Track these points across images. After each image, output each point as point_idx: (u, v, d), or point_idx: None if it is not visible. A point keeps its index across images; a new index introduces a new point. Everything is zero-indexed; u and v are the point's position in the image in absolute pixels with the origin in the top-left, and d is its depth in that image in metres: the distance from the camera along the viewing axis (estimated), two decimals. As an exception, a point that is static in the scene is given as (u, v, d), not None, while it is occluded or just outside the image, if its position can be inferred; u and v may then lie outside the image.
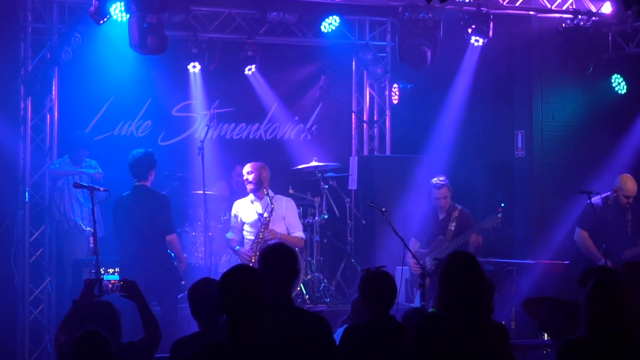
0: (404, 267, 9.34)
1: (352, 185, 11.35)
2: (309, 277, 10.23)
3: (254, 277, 4.24)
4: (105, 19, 9.27)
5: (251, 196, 9.52)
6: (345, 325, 5.74)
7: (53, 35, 9.98)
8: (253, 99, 11.45)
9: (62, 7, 10.07)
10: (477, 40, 10.59)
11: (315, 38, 11.17)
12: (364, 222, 11.13)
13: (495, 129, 11.84)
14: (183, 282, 9.29)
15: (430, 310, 7.10)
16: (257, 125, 11.74)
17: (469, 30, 10.52)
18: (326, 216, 10.69)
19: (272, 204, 9.29)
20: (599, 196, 9.66)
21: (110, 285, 5.62)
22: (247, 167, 9.50)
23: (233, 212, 9.68)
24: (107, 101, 10.90)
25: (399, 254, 8.66)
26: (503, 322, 7.79)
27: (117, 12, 9.32)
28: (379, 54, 11.52)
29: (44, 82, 9.91)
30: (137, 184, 8.73)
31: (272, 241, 9.04)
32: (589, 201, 9.39)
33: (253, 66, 10.87)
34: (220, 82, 11.14)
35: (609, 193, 9.74)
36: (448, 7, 10.14)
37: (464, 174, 11.17)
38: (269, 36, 10.96)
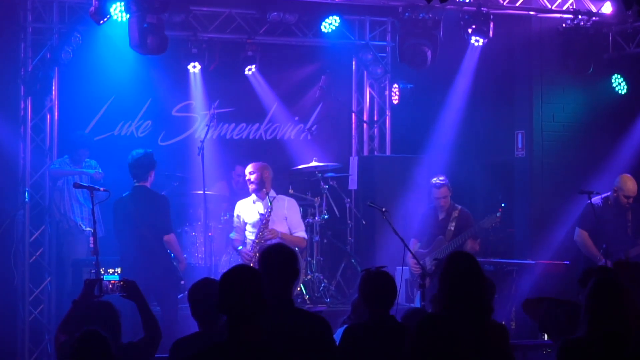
0: (404, 267, 9.34)
1: (352, 185, 11.35)
2: (309, 277, 10.23)
3: (254, 277, 4.24)
4: (105, 19, 9.27)
5: (253, 196, 9.52)
6: (345, 325, 5.74)
7: (53, 35, 9.98)
8: (253, 99, 11.45)
9: (62, 7, 10.07)
10: (477, 40, 10.58)
11: (315, 38, 11.17)
12: (364, 222, 11.13)
13: (496, 129, 11.83)
14: (183, 282, 9.29)
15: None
16: (257, 125, 11.74)
17: (469, 30, 10.52)
18: (326, 216, 10.69)
19: (270, 203, 9.28)
20: (599, 196, 9.66)
21: (110, 286, 5.62)
22: (249, 167, 9.50)
23: (236, 212, 9.68)
24: (107, 101, 10.90)
25: (399, 254, 8.66)
26: (503, 322, 7.80)
27: (117, 12, 9.32)
28: (379, 54, 11.52)
29: (44, 82, 9.91)
30: (136, 184, 8.74)
31: (273, 241, 9.04)
32: (589, 201, 9.39)
33: (253, 66, 10.87)
34: (220, 82, 11.14)
35: (609, 193, 9.74)
36: (448, 7, 10.14)
37: (464, 174, 11.17)
38: (269, 36, 10.96)
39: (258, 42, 10.82)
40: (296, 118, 11.87)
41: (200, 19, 10.59)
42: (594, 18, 10.86)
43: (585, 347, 4.65)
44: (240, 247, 9.47)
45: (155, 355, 5.53)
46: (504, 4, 10.68)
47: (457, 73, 11.29)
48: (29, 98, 10.03)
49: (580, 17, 10.79)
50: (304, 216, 10.37)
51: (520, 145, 11.44)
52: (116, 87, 10.74)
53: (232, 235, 9.70)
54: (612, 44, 11.20)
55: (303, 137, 11.79)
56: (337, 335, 5.38)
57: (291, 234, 9.46)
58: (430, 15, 10.44)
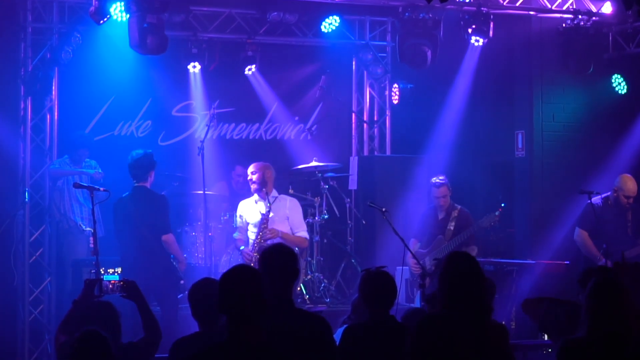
0: (404, 267, 9.34)
1: (352, 185, 11.34)
2: (309, 277, 10.23)
3: (254, 277, 4.24)
4: (105, 19, 9.27)
5: (255, 196, 9.51)
6: (345, 325, 5.74)
7: (53, 35, 9.97)
8: (253, 99, 11.45)
9: (62, 7, 10.06)
10: (477, 40, 10.59)
11: (315, 38, 11.17)
12: (364, 222, 11.13)
13: (496, 129, 11.83)
14: (182, 282, 9.30)
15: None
16: (257, 125, 11.74)
17: (469, 30, 10.52)
18: (326, 216, 10.69)
19: (269, 203, 9.28)
20: (599, 196, 9.66)
21: (110, 286, 5.62)
22: (251, 167, 9.49)
23: (238, 212, 9.68)
24: (107, 101, 10.89)
25: (399, 254, 8.66)
26: (503, 322, 7.79)
27: (117, 12, 9.31)
28: (379, 54, 11.52)
29: (44, 82, 9.91)
30: (136, 184, 8.74)
31: (273, 241, 9.04)
32: (589, 201, 9.39)
33: (253, 66, 10.87)
34: (220, 82, 11.14)
35: (609, 193, 9.74)
36: (448, 7, 10.14)
37: (464, 174, 11.16)
38: (269, 36, 10.96)
39: (258, 42, 10.82)
40: (296, 118, 11.87)
41: (200, 19, 10.59)
42: (594, 18, 10.86)
43: (586, 347, 4.65)
44: (242, 247, 9.47)
45: (155, 355, 5.53)
46: (504, 4, 10.68)
47: (457, 73, 11.29)
48: (29, 98, 10.02)
49: (580, 17, 10.79)
50: (304, 216, 10.37)
51: (520, 145, 11.44)
52: (116, 87, 10.74)
53: (236, 235, 9.71)
54: (612, 44, 11.20)
55: (303, 137, 11.78)
56: (337, 335, 5.38)
57: (293, 234, 9.46)
58: (430, 15, 10.44)
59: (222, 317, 4.29)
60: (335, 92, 11.62)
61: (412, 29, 10.45)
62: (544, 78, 11.32)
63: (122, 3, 9.28)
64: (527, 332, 8.89)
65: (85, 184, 8.54)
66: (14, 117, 10.02)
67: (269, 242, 9.07)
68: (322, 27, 10.86)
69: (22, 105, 10.03)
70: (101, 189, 8.24)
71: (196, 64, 10.51)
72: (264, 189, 9.35)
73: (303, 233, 9.55)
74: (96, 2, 9.18)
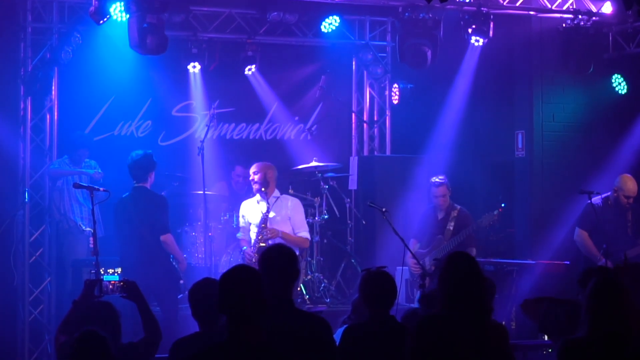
0: (404, 268, 9.34)
1: (352, 185, 11.34)
2: (309, 277, 10.23)
3: (254, 277, 4.24)
4: (105, 19, 9.26)
5: (258, 196, 9.50)
6: (345, 326, 5.74)
7: (53, 35, 9.97)
8: (253, 99, 11.44)
9: (62, 7, 10.06)
10: (477, 40, 10.58)
11: (315, 38, 11.17)
12: (364, 222, 11.13)
13: (496, 129, 11.83)
14: (182, 282, 9.29)
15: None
16: (257, 125, 11.73)
17: (469, 30, 10.52)
18: (326, 216, 10.69)
19: (268, 203, 9.27)
20: (599, 196, 9.66)
21: (110, 286, 5.61)
22: (253, 167, 9.49)
23: (241, 212, 9.69)
24: (107, 101, 10.89)
25: (399, 254, 8.67)
26: (503, 322, 7.79)
27: (117, 12, 9.31)
28: (379, 54, 11.52)
29: (44, 82, 9.90)
30: (136, 185, 8.74)
31: (274, 240, 9.04)
32: (589, 201, 9.39)
33: (253, 66, 10.87)
34: (220, 82, 11.13)
35: (609, 193, 9.74)
36: (448, 7, 10.14)
37: (464, 174, 11.16)
38: (269, 36, 10.96)
39: (258, 42, 10.82)
40: (296, 118, 11.87)
41: (200, 19, 10.59)
42: (594, 18, 10.86)
43: (586, 347, 4.65)
44: (245, 248, 9.46)
45: (156, 356, 5.53)
46: (504, 3, 10.68)
47: (457, 73, 11.29)
48: (29, 98, 10.02)
49: (580, 17, 10.78)
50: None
51: (520, 145, 11.44)
52: (116, 87, 10.73)
53: (239, 235, 9.70)
54: (612, 43, 11.20)
55: (303, 137, 11.78)
56: (337, 335, 5.38)
57: (294, 234, 9.44)
58: (431, 15, 10.44)
59: (222, 317, 4.29)
60: (335, 92, 11.62)
61: (412, 29, 10.44)
62: (544, 78, 11.32)
63: (122, 3, 9.28)
64: (527, 332, 8.90)
65: (85, 184, 8.54)
66: (14, 117, 10.01)
67: (269, 242, 9.07)
68: (322, 27, 10.86)
69: (22, 105, 10.03)
70: (101, 189, 8.23)
71: (196, 64, 10.51)
72: (267, 189, 9.34)
73: (304, 233, 9.54)
74: (96, 2, 9.17)
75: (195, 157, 10.12)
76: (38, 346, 9.89)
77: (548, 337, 7.10)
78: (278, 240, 9.05)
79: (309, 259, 10.37)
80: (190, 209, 10.66)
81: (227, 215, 10.47)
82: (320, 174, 10.83)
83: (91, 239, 9.30)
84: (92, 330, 4.71)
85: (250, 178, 9.51)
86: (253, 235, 9.47)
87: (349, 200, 11.20)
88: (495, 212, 9.50)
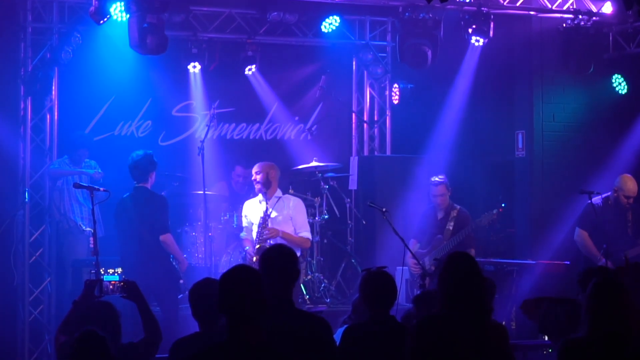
0: (404, 268, 9.34)
1: (353, 185, 11.34)
2: (309, 277, 10.23)
3: (254, 277, 4.23)
4: (105, 19, 9.26)
5: (260, 196, 9.50)
6: (346, 326, 5.74)
7: (53, 35, 9.97)
8: (253, 99, 11.44)
9: (62, 7, 10.06)
10: (477, 40, 10.59)
11: (316, 38, 11.16)
12: (364, 222, 11.13)
13: (496, 129, 11.83)
14: (182, 282, 9.29)
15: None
16: (257, 125, 11.72)
17: (470, 30, 10.52)
18: (326, 216, 10.69)
19: (267, 203, 9.27)
20: (600, 196, 9.66)
21: (110, 286, 5.61)
22: (255, 167, 9.48)
23: (243, 212, 9.68)
24: (107, 101, 10.88)
25: (399, 254, 8.66)
26: (503, 322, 7.79)
27: (117, 12, 9.31)
28: (379, 54, 11.52)
29: (44, 82, 9.90)
30: (136, 185, 8.75)
31: (275, 240, 9.03)
32: (589, 201, 9.39)
33: (253, 66, 10.86)
34: (220, 82, 11.13)
35: (609, 193, 9.74)
36: (448, 7, 10.14)
37: (464, 174, 11.16)
38: (269, 36, 10.95)
39: (258, 42, 10.82)
40: (296, 118, 11.86)
41: (200, 19, 10.59)
42: (594, 18, 10.86)
43: (586, 347, 4.66)
44: (247, 247, 9.46)
45: (156, 356, 5.53)
46: (504, 3, 10.68)
47: (457, 73, 11.29)
48: (29, 98, 10.02)
49: (580, 17, 10.79)
50: (304, 216, 10.37)
51: (520, 145, 11.44)
52: (116, 87, 10.72)
53: (243, 235, 9.69)
54: (613, 43, 11.20)
55: (303, 137, 11.77)
56: (338, 335, 5.38)
57: (296, 234, 9.43)
58: (431, 15, 10.44)
59: (222, 317, 4.28)
60: (335, 92, 11.61)
61: (412, 29, 10.44)
62: (544, 78, 11.32)
63: (122, 3, 9.28)
64: (527, 332, 8.90)
65: (85, 184, 8.54)
66: (14, 117, 10.01)
67: (268, 242, 9.07)
68: (322, 27, 10.85)
69: (22, 105, 10.03)
70: (101, 189, 8.24)
71: (196, 64, 10.51)
72: (269, 189, 9.33)
73: (306, 233, 9.51)
74: (96, 2, 9.17)
75: (195, 157, 10.11)
76: (38, 346, 9.89)
77: (548, 338, 7.10)
78: (278, 240, 9.04)
79: (309, 259, 10.37)
80: (190, 209, 10.66)
81: (227, 215, 10.47)
82: (320, 174, 10.83)
83: (91, 239, 9.31)
84: (91, 330, 4.71)
85: (253, 178, 9.50)
86: (255, 235, 9.46)
87: (349, 200, 11.20)
88: (495, 211, 9.51)
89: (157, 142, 11.10)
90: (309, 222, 10.29)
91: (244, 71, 10.90)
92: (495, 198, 10.76)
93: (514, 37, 11.33)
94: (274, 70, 11.44)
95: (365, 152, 11.77)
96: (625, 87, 11.18)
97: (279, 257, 5.02)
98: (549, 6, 10.84)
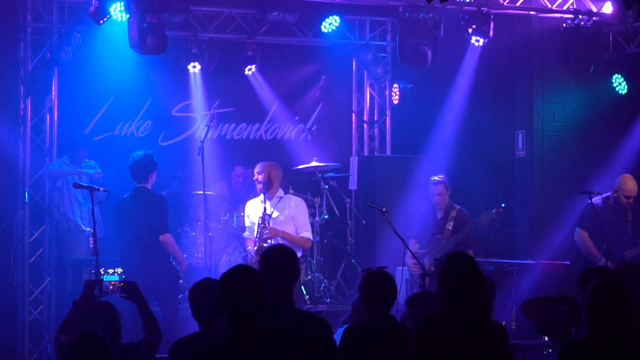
0: (404, 268, 9.33)
1: (353, 185, 11.34)
2: (309, 277, 10.22)
3: (254, 277, 4.23)
4: (105, 19, 9.26)
5: (262, 196, 9.50)
6: (346, 326, 5.74)
7: (53, 35, 9.97)
8: (253, 99, 11.44)
9: (62, 7, 10.06)
10: (477, 40, 10.58)
11: (316, 38, 11.16)
12: (364, 222, 11.13)
13: (496, 129, 11.83)
14: (182, 282, 9.29)
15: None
16: (257, 125, 11.72)
17: (470, 30, 10.51)
18: (326, 216, 10.69)
19: (265, 204, 9.26)
20: (600, 196, 9.66)
21: (110, 287, 5.61)
22: (257, 167, 9.47)
23: (245, 212, 9.68)
24: (107, 101, 10.88)
25: (399, 254, 8.66)
26: (503, 322, 7.80)
27: (117, 12, 9.31)
28: (379, 54, 11.51)
29: (44, 82, 9.90)
30: (137, 185, 8.75)
31: (276, 240, 9.03)
32: (589, 201, 9.39)
33: (253, 66, 10.86)
34: (220, 82, 11.13)
35: (609, 193, 9.74)
36: (448, 7, 10.13)
37: (464, 174, 11.16)
38: (269, 36, 10.95)
39: (258, 42, 10.81)
40: (296, 118, 11.86)
41: (200, 19, 10.59)
42: (594, 18, 10.86)
43: (586, 348, 4.66)
44: (249, 247, 9.45)
45: (156, 356, 5.53)
46: (505, 3, 10.67)
47: (457, 73, 11.29)
48: (29, 98, 10.01)
49: (580, 17, 10.78)
50: (304, 216, 10.36)
51: (520, 145, 11.44)
52: (116, 87, 10.72)
53: (246, 234, 9.69)
54: (613, 43, 11.20)
55: (303, 137, 11.77)
56: (338, 335, 5.38)
57: (297, 234, 9.42)
58: (431, 15, 10.44)
59: (222, 317, 4.28)
60: (335, 92, 11.61)
61: (412, 29, 10.44)
62: (544, 78, 11.32)
63: (122, 3, 9.28)
64: (528, 332, 8.90)
65: (85, 184, 8.55)
66: (14, 117, 10.01)
67: (268, 242, 9.06)
68: (322, 27, 10.85)
69: (22, 105, 10.02)
70: (101, 189, 8.24)
71: (196, 64, 10.51)
72: (270, 189, 9.32)
73: (306, 234, 9.48)
74: (96, 2, 9.17)
75: (195, 157, 10.11)
76: (38, 346, 9.88)
77: (548, 338, 7.10)
78: (279, 240, 9.04)
79: (309, 259, 10.37)
80: (190, 209, 10.66)
81: (227, 216, 10.47)
82: (320, 174, 10.83)
83: (91, 239, 9.30)
84: (91, 330, 4.70)
85: (255, 178, 9.49)
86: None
87: (349, 200, 11.20)
88: (494, 210, 9.50)
89: (157, 142, 11.10)
90: (309, 222, 10.30)
91: (244, 71, 10.89)
92: (495, 198, 10.75)
93: (514, 37, 11.33)
94: (274, 70, 11.44)
95: (365, 152, 11.77)
96: (625, 87, 11.18)
97: (279, 257, 5.02)
98: (549, 6, 10.84)
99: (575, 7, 10.84)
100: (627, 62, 11.19)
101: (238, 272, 4.25)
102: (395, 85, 11.65)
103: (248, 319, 4.12)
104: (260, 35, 10.84)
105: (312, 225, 10.40)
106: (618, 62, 11.23)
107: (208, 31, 10.62)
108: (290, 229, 9.34)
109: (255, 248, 9.16)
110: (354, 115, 11.87)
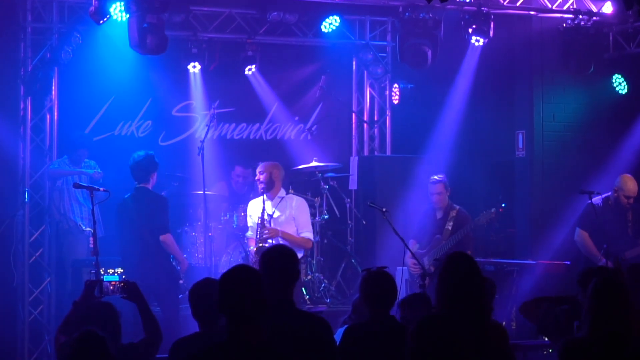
0: (404, 268, 9.33)
1: (353, 185, 11.34)
2: (309, 277, 10.22)
3: (254, 277, 4.23)
4: (105, 19, 9.26)
5: (264, 196, 9.49)
6: (346, 326, 5.74)
7: (53, 35, 9.97)
8: (253, 99, 11.44)
9: (62, 7, 10.06)
10: (477, 40, 10.59)
11: (316, 38, 11.16)
12: (364, 222, 11.13)
13: (496, 129, 11.83)
14: (182, 281, 9.29)
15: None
16: (257, 125, 11.72)
17: (470, 30, 10.52)
18: (326, 216, 10.69)
19: (264, 203, 9.26)
20: (600, 196, 9.65)
21: (110, 287, 5.61)
22: (259, 167, 9.47)
23: (248, 212, 9.67)
24: (107, 101, 10.88)
25: (399, 254, 8.66)
26: (503, 323, 7.80)
27: (117, 12, 9.31)
28: (379, 54, 11.51)
29: (44, 82, 9.90)
30: (137, 185, 8.75)
31: (277, 240, 9.02)
32: (589, 201, 9.39)
33: (253, 66, 10.86)
34: (220, 82, 11.12)
35: (609, 193, 9.74)
36: (449, 7, 10.13)
37: (464, 174, 11.16)
38: (269, 36, 10.95)
39: (258, 42, 10.81)
40: (296, 118, 11.86)
41: (200, 19, 10.59)
42: (594, 18, 10.86)
43: (587, 348, 4.66)
44: (251, 247, 9.45)
45: (156, 356, 5.53)
46: (505, 3, 10.68)
47: (458, 73, 11.29)
48: (29, 98, 10.02)
49: (580, 16, 10.78)
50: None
51: (520, 145, 11.44)
52: (116, 87, 10.72)
53: (249, 234, 9.68)
54: (613, 43, 11.20)
55: (303, 137, 11.77)
56: (338, 335, 5.38)
57: (298, 234, 9.42)
58: (431, 15, 10.44)
59: (222, 317, 4.28)
60: (335, 92, 11.61)
61: (412, 28, 10.44)
62: (544, 78, 11.32)
63: (122, 3, 9.28)
64: (528, 332, 8.90)
65: (85, 184, 8.55)
66: (14, 117, 10.01)
67: (268, 242, 9.06)
68: (322, 27, 10.85)
69: (22, 105, 10.03)
70: (101, 189, 8.24)
71: (196, 64, 10.51)
72: (272, 189, 9.32)
73: (307, 234, 9.47)
74: (96, 2, 9.17)
75: (195, 157, 10.11)
76: (38, 346, 9.88)
77: (548, 338, 7.10)
78: (279, 240, 9.04)
79: (309, 259, 10.37)
80: (190, 209, 10.65)
81: (227, 216, 10.46)
82: (320, 174, 10.83)
83: (91, 239, 9.30)
84: (91, 331, 4.70)
85: (256, 178, 9.49)
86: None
87: (349, 200, 11.20)
88: (493, 210, 9.50)
89: (157, 142, 11.10)
90: (309, 222, 10.31)
91: (244, 71, 10.89)
92: (495, 198, 10.74)
93: (514, 37, 11.33)
94: (274, 70, 11.44)
95: (365, 152, 11.77)
96: (625, 87, 11.18)
97: (279, 257, 5.02)
98: (549, 6, 10.84)
99: (575, 7, 10.84)
100: (627, 62, 11.19)
101: (238, 272, 4.25)
102: (395, 85, 11.65)
103: (248, 319, 4.11)
104: (260, 35, 10.84)
105: (312, 225, 10.40)
106: (618, 62, 11.23)
107: (208, 31, 10.62)
108: (291, 229, 9.33)
109: (256, 248, 9.16)
110: (354, 115, 11.87)
